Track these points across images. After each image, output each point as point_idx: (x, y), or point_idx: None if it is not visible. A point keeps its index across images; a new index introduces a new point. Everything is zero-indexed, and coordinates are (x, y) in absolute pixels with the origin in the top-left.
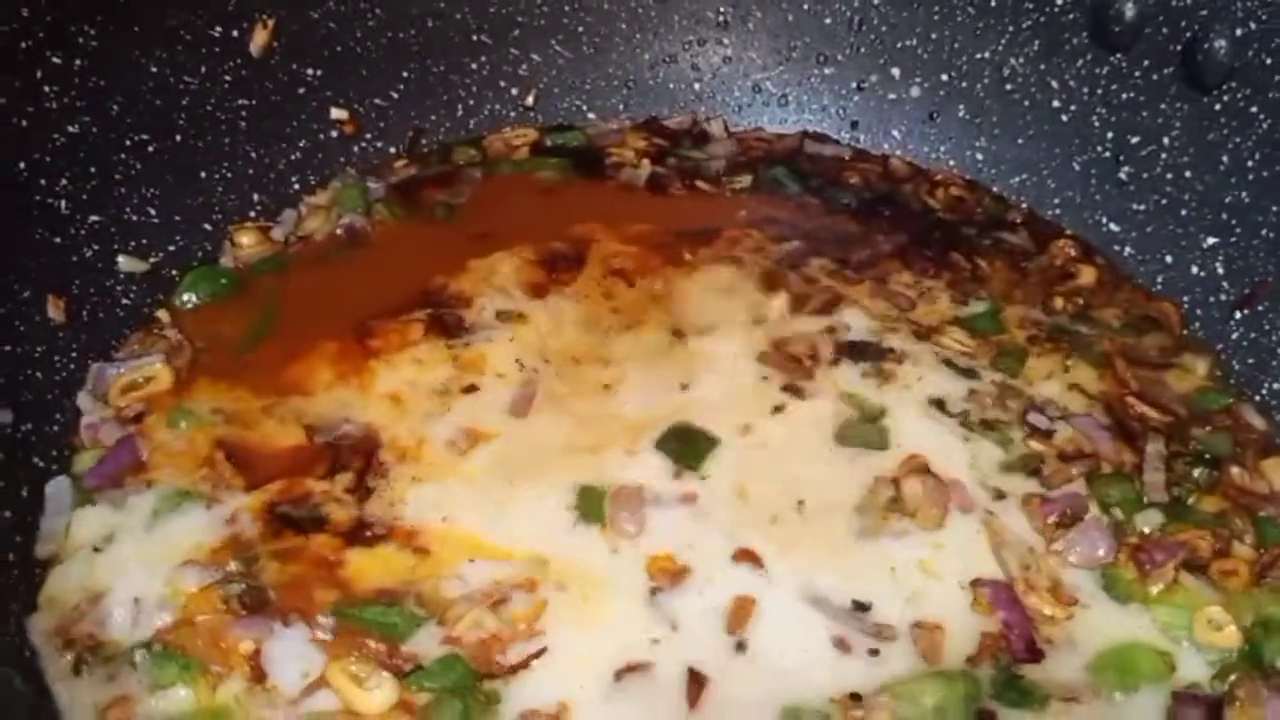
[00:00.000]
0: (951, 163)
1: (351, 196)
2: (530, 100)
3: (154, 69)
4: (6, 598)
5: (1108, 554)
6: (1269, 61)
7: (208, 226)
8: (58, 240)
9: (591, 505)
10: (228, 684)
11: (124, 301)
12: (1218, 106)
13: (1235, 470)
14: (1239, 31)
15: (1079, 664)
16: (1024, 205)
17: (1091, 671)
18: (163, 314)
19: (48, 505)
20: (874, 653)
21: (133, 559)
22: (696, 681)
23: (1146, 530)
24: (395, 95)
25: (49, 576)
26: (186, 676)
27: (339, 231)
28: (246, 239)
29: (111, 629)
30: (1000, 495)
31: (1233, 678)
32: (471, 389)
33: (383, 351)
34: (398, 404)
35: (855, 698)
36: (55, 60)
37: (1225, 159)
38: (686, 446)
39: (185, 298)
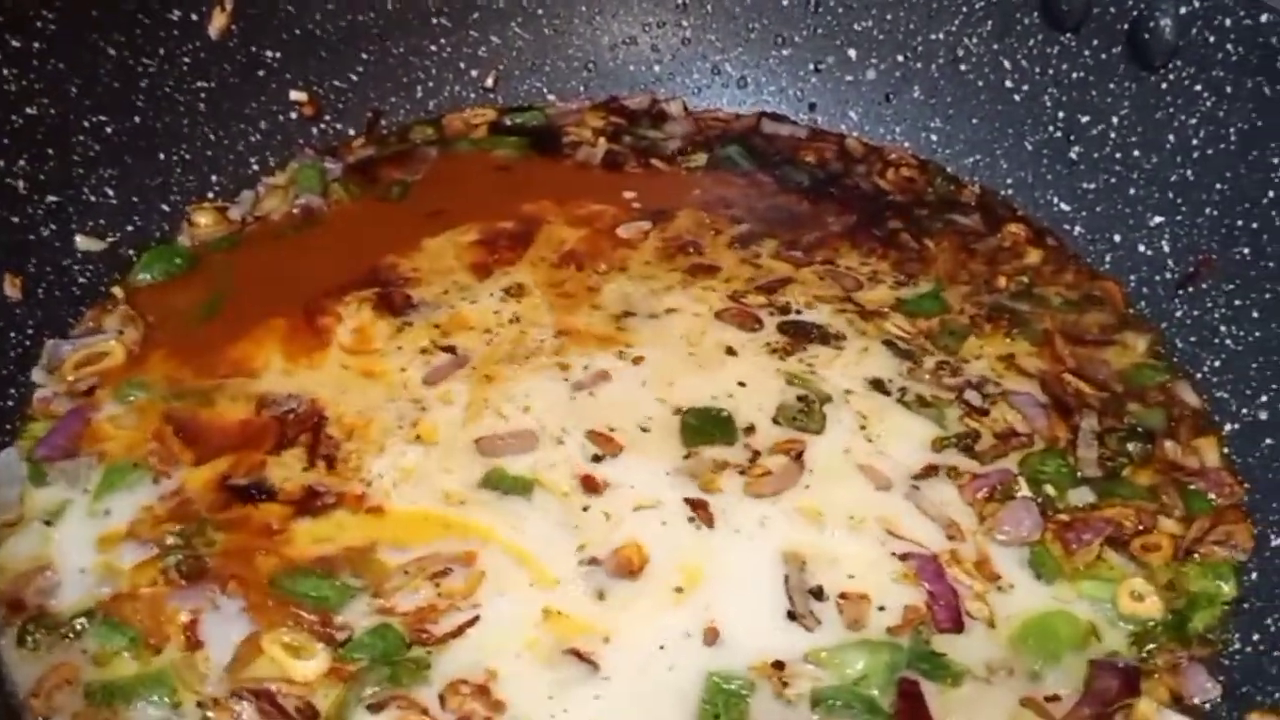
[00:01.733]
0: (907, 143)
1: (308, 176)
2: (490, 82)
3: (112, 51)
4: None
5: (1033, 531)
6: (1211, 40)
7: (165, 207)
8: (15, 219)
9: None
10: (165, 653)
11: (80, 280)
12: (1163, 85)
13: (1168, 444)
14: (1183, 10)
15: (1001, 637)
16: (977, 187)
17: (1012, 643)
18: (118, 291)
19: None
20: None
21: (79, 532)
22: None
23: (1077, 505)
24: (354, 77)
25: (0, 547)
26: (126, 645)
27: (295, 211)
28: (204, 219)
29: (56, 599)
30: (933, 471)
31: (1151, 646)
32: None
33: (330, 329)
34: (343, 381)
35: (779, 665)
36: (15, 43)
37: (1171, 138)
38: None
39: (141, 276)
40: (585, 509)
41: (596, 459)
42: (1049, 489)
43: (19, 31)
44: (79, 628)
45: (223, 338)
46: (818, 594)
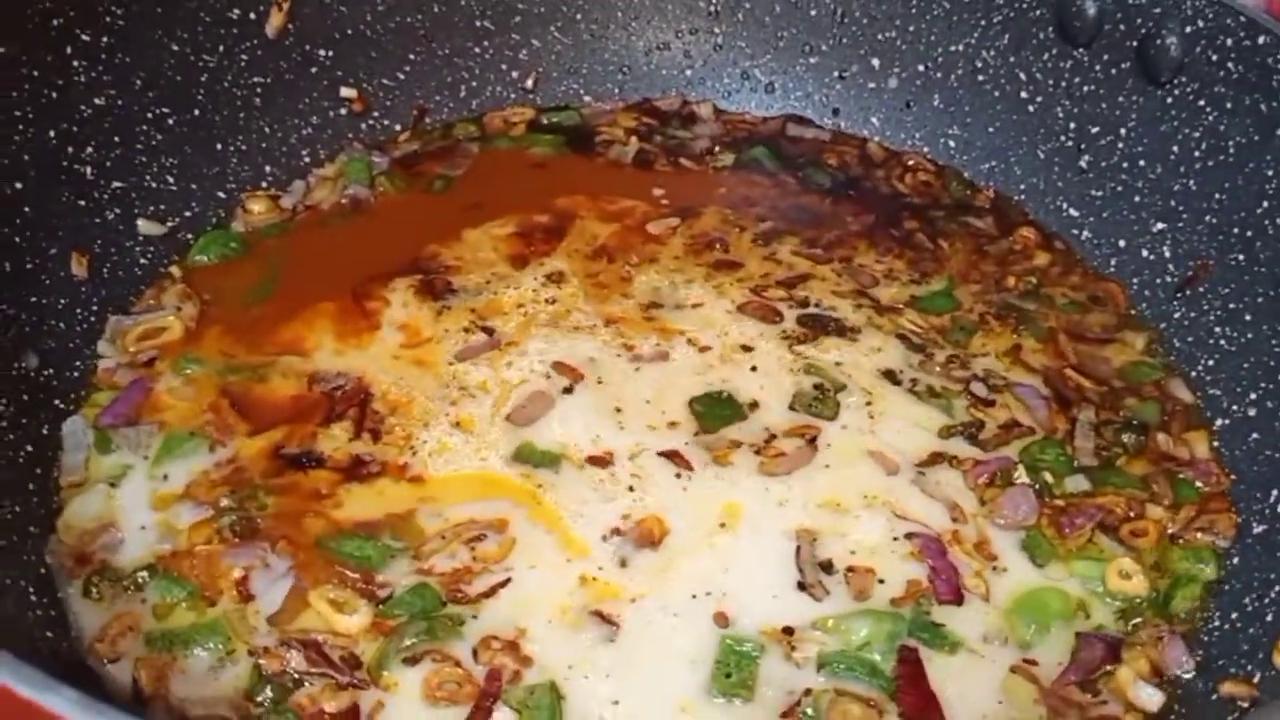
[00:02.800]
0: (926, 149)
1: (357, 168)
2: (530, 83)
3: (175, 47)
4: (26, 522)
5: (1029, 516)
6: (1214, 58)
7: (221, 194)
8: (82, 203)
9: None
10: (219, 604)
11: (141, 260)
12: (1169, 100)
13: (1161, 437)
14: (1188, 29)
15: (995, 611)
16: (991, 191)
17: (1006, 616)
18: (175, 271)
19: (65, 442)
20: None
21: (140, 493)
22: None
23: (1072, 492)
24: (402, 76)
25: (68, 506)
26: (184, 597)
27: (343, 201)
28: (257, 206)
29: (119, 554)
30: (939, 457)
31: (1136, 621)
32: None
33: (378, 312)
34: (389, 360)
35: (788, 630)
36: (85, 37)
37: (1175, 149)
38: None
39: (197, 258)
40: (605, 480)
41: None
42: (1046, 476)
43: (89, 26)
44: (140, 580)
45: (275, 317)
46: (826, 567)
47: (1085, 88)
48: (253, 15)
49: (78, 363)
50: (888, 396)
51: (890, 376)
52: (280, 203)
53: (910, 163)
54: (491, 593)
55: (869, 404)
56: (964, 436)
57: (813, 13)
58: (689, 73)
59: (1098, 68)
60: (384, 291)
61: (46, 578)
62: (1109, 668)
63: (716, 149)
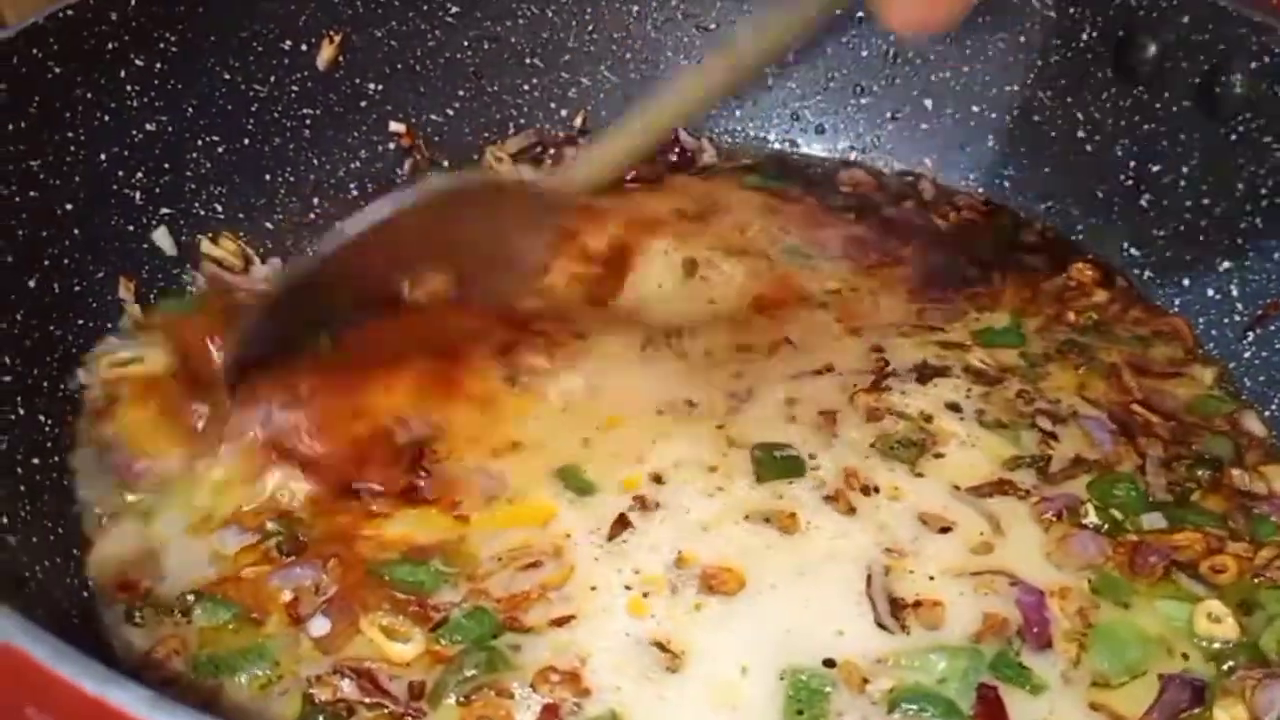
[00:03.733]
0: (981, 190)
1: None
2: (579, 121)
3: (227, 76)
4: (68, 544)
5: (1098, 554)
6: None
7: (269, 225)
8: (131, 227)
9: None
10: (268, 627)
11: (190, 289)
12: (1233, 137)
13: (1236, 472)
14: (1254, 65)
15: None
16: (1046, 232)
17: (1089, 656)
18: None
19: (79, 475)
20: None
21: (180, 521)
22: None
23: (1148, 528)
24: (450, 112)
25: (101, 538)
26: (230, 619)
27: None
28: None
29: (162, 581)
30: (1006, 486)
31: (1229, 664)
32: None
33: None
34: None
35: (859, 665)
36: (138, 62)
37: (1240, 186)
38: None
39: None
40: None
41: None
42: (1116, 513)
43: (143, 51)
44: (186, 604)
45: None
46: (898, 601)
47: (1145, 126)
48: (304, 47)
49: None
50: (955, 429)
51: (954, 408)
52: None
53: (961, 202)
54: (561, 622)
55: (938, 437)
56: (1033, 470)
57: (864, 54)
58: (739, 112)
59: (1158, 105)
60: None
61: (89, 601)
62: (1195, 710)
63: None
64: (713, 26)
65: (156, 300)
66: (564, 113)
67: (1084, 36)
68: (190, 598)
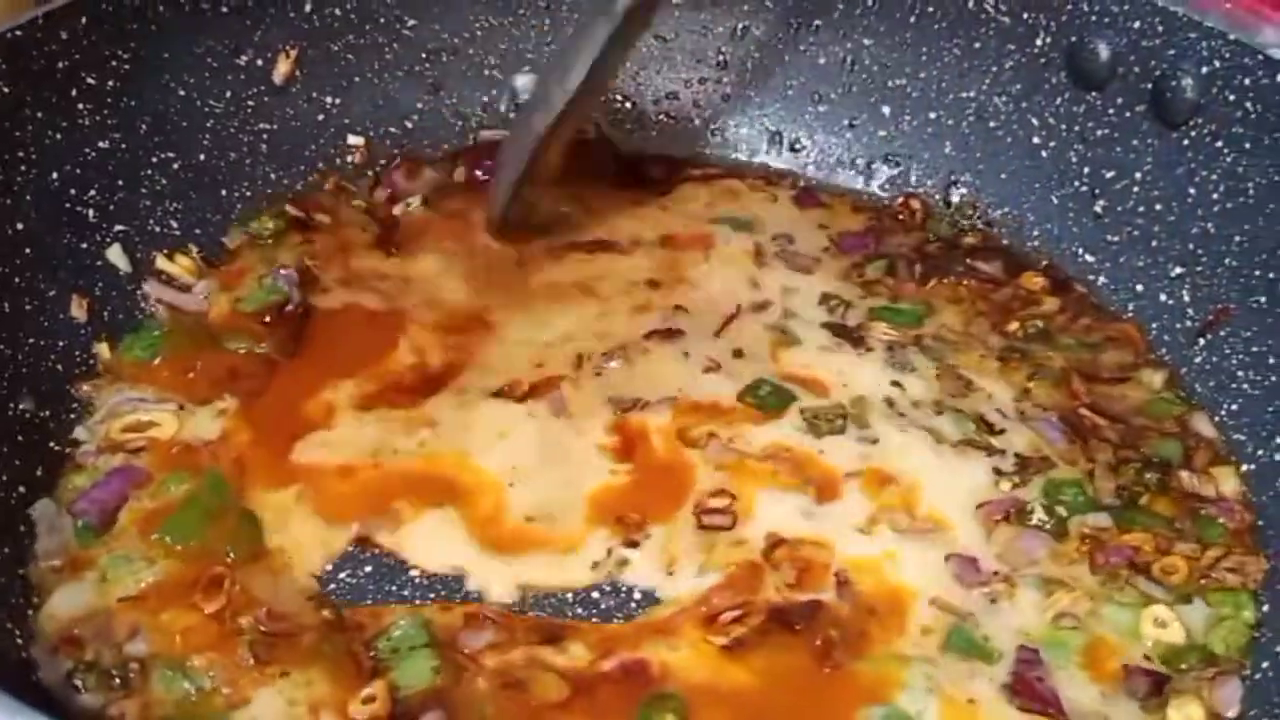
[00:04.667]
0: (937, 196)
1: None
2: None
3: (181, 92)
4: (10, 593)
5: (1040, 550)
6: (1231, 98)
7: (225, 241)
8: (84, 245)
9: None
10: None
11: (143, 305)
12: (1185, 142)
13: (1184, 475)
14: (1204, 70)
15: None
16: (1004, 239)
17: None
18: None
19: (38, 525)
20: None
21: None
22: None
23: (1095, 528)
24: (410, 125)
25: (52, 594)
26: (185, 685)
27: None
28: None
29: (110, 648)
30: None
31: (1181, 665)
32: None
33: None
34: None
35: None
36: (90, 80)
37: (1193, 191)
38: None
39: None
40: None
41: None
42: (1060, 511)
43: (94, 70)
44: (133, 671)
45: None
46: None
47: (1099, 131)
48: (260, 61)
49: (73, 405)
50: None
51: (889, 403)
52: None
53: (916, 207)
54: None
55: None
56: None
57: (821, 61)
58: (697, 122)
59: (1111, 111)
60: None
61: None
62: (1154, 701)
63: None
64: (670, 36)
65: (109, 321)
66: None
67: (1038, 42)
68: (135, 666)
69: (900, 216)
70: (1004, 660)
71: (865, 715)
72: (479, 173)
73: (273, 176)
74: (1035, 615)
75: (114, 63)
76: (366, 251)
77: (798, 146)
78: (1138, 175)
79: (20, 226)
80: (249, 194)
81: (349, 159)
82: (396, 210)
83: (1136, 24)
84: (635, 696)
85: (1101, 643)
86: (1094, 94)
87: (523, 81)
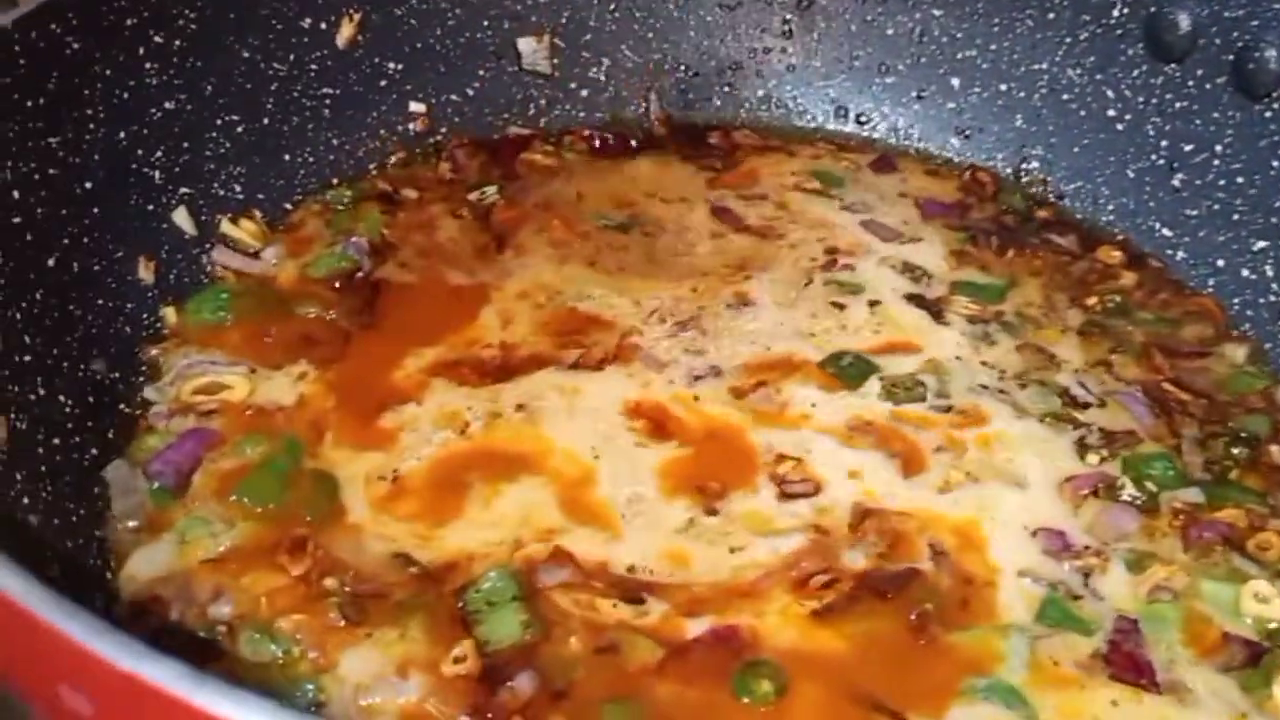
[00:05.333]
0: (1009, 170)
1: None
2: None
3: (246, 54)
4: (88, 555)
5: (1130, 524)
6: None
7: (288, 206)
8: (150, 207)
9: None
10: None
11: (208, 268)
12: (1268, 114)
13: (1274, 449)
14: None
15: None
16: (1078, 213)
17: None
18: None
19: (112, 487)
20: None
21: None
22: None
23: (1187, 504)
24: (471, 92)
25: (130, 556)
26: (272, 649)
27: None
28: None
29: (192, 611)
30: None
31: None
32: None
33: None
34: None
35: None
36: (157, 40)
37: (1276, 165)
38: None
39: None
40: None
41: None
42: (1150, 486)
43: (162, 28)
44: (218, 637)
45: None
46: None
47: (1177, 104)
48: (324, 25)
49: (143, 368)
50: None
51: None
52: None
53: (984, 180)
54: None
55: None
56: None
57: (889, 32)
58: (760, 92)
59: (1191, 83)
60: None
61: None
62: (1251, 671)
63: None
64: (734, 4)
65: (176, 284)
66: (585, 93)
67: (1114, 12)
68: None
69: (972, 190)
70: (1100, 631)
71: (969, 686)
72: (539, 156)
73: (334, 142)
74: (1129, 589)
75: (181, 22)
76: (454, 230)
77: (864, 119)
78: (1218, 149)
79: (89, 185)
80: (311, 160)
81: (410, 126)
82: (472, 196)
83: None
84: (729, 663)
85: (1200, 617)
86: (1173, 66)
87: (523, 44)
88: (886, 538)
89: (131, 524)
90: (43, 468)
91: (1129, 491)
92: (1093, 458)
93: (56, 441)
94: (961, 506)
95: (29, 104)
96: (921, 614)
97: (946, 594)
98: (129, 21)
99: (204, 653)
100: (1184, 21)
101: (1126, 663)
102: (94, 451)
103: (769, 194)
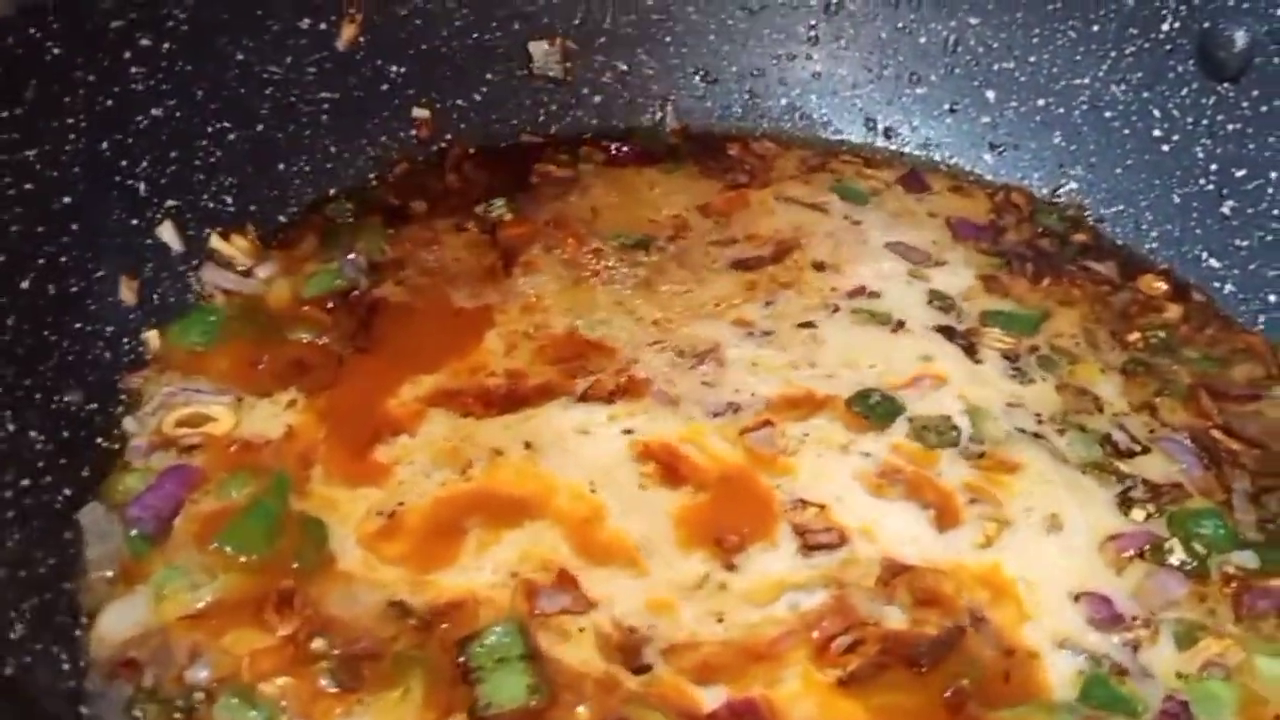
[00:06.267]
0: (1045, 190)
1: None
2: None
3: (240, 57)
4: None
5: (1178, 591)
6: None
7: (282, 218)
8: (134, 222)
9: None
10: None
11: (195, 288)
12: None
13: None
14: None
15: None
16: (1118, 239)
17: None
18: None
19: (87, 534)
20: None
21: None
22: None
23: (1240, 568)
24: (478, 97)
25: (105, 608)
26: (253, 716)
27: None
28: None
29: (171, 670)
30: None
31: None
32: None
33: None
34: None
35: None
36: (145, 42)
37: None
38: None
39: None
40: None
41: None
42: (1199, 548)
43: (150, 30)
44: (195, 705)
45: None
46: None
47: (1230, 126)
48: (323, 26)
49: (122, 398)
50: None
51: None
52: None
53: (1018, 201)
54: None
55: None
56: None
57: (922, 40)
58: (784, 101)
59: (1245, 104)
60: None
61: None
62: None
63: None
64: (757, 8)
65: (160, 305)
66: (597, 99)
67: (1164, 26)
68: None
69: (1005, 210)
70: (1148, 714)
71: None
72: (553, 167)
73: (333, 151)
74: (1178, 665)
75: (170, 24)
76: (460, 248)
77: (892, 132)
78: (1273, 175)
79: (68, 200)
80: (308, 169)
81: (413, 132)
82: (479, 209)
83: (1277, 9)
84: None
85: (1256, 698)
86: (1226, 85)
87: (534, 47)
88: (919, 596)
89: (106, 574)
90: (10, 513)
91: (1177, 555)
92: (1138, 513)
93: (26, 482)
94: (998, 566)
95: (5, 113)
96: (958, 690)
97: (987, 666)
98: (114, 24)
99: None
100: (1240, 38)
101: None
102: (67, 492)
103: (790, 212)
